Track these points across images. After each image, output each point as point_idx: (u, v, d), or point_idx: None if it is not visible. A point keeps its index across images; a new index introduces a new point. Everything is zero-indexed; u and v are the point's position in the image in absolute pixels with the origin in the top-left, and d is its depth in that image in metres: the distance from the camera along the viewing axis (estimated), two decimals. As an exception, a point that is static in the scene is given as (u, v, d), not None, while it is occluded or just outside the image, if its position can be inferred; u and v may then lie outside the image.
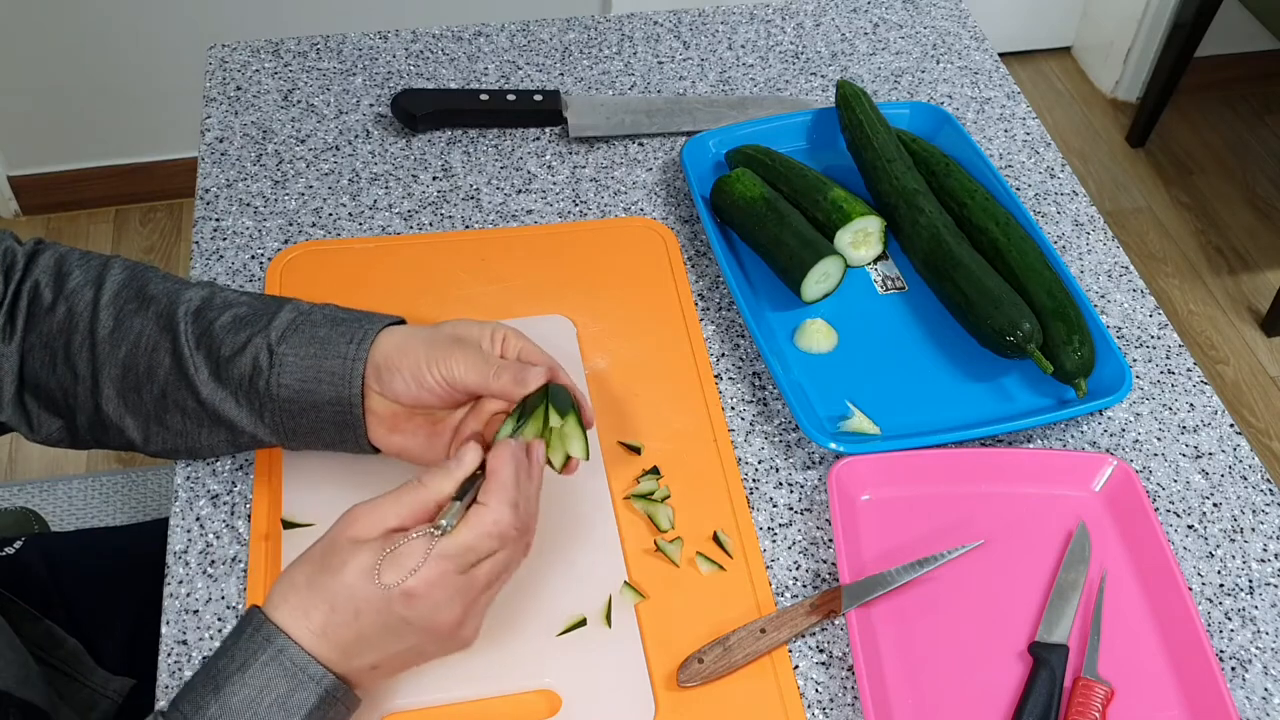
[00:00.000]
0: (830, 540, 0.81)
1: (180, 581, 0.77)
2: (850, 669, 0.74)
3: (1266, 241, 2.38)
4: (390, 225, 1.01)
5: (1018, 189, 1.09)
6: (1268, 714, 0.74)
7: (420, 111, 1.07)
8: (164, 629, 0.74)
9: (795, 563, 0.80)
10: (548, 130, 1.11)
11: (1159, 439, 0.89)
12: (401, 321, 0.76)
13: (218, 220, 1.01)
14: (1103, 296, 0.99)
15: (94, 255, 0.80)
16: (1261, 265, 2.33)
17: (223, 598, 0.76)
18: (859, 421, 0.86)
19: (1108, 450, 0.88)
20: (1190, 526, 0.84)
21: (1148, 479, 0.86)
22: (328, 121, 1.11)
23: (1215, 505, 0.85)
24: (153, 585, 0.78)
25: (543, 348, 0.75)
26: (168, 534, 0.79)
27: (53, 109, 2.14)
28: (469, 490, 0.64)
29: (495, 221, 1.02)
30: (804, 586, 0.78)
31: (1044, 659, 0.73)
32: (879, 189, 1.00)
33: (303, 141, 1.08)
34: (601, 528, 0.79)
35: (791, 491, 0.84)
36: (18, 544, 0.98)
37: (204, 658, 0.73)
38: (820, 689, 0.73)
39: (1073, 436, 0.88)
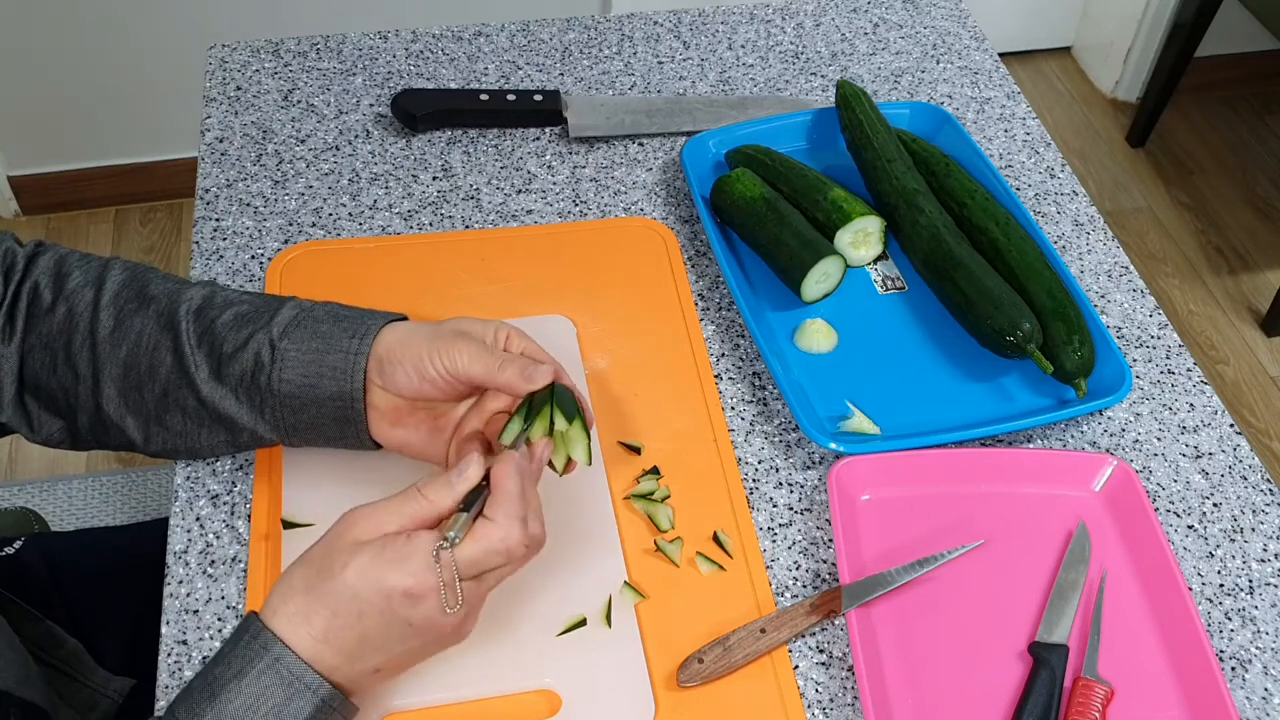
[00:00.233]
0: (830, 540, 0.81)
1: (180, 581, 0.77)
2: (850, 669, 0.74)
3: (1266, 241, 2.38)
4: (390, 225, 1.01)
5: (1018, 189, 1.09)
6: (1268, 714, 0.74)
7: (420, 111, 1.07)
8: (164, 629, 0.74)
9: (795, 563, 0.80)
10: (548, 130, 1.11)
11: (1159, 439, 0.89)
12: (404, 319, 0.77)
13: (218, 220, 1.01)
14: (1103, 296, 0.99)
15: (93, 256, 0.80)
16: (1261, 265, 2.33)
17: (223, 598, 0.76)
18: (859, 421, 0.86)
19: (1108, 450, 0.88)
20: (1190, 526, 0.84)
21: (1148, 479, 0.86)
22: (328, 121, 1.11)
23: (1215, 505, 0.85)
24: (153, 585, 0.78)
25: (543, 348, 0.75)
26: (168, 534, 0.79)
27: (53, 109, 2.14)
28: (475, 501, 0.64)
29: (495, 221, 1.02)
30: (804, 586, 0.78)
31: (1044, 659, 0.73)
32: (879, 189, 1.00)
33: (303, 141, 1.08)
34: (601, 528, 0.79)
35: (791, 491, 0.84)
36: (18, 544, 0.98)
37: (204, 658, 0.73)
38: (820, 689, 0.73)
39: (1073, 436, 0.88)
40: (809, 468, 0.85)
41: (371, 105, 1.12)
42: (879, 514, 0.81)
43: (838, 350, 0.92)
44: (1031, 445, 0.87)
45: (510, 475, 0.65)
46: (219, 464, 0.83)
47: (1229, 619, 0.78)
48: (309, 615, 0.61)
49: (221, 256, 0.97)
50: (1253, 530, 0.84)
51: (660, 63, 1.19)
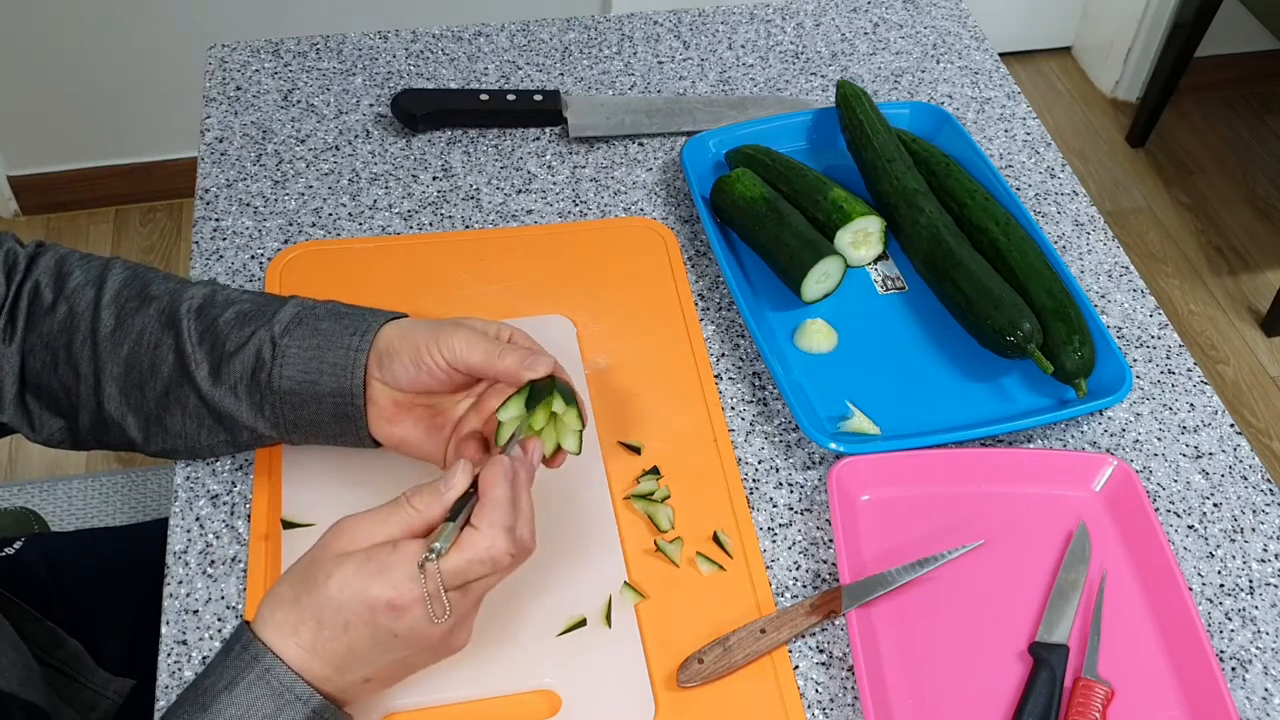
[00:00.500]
0: (830, 540, 0.81)
1: (180, 581, 0.77)
2: (850, 669, 0.74)
3: (1266, 241, 2.38)
4: (390, 225, 1.01)
5: (1018, 189, 1.09)
6: (1268, 714, 0.74)
7: (420, 111, 1.07)
8: (164, 629, 0.74)
9: (795, 563, 0.80)
10: (548, 130, 1.11)
11: (1159, 439, 0.89)
12: (406, 317, 0.77)
13: (218, 220, 1.01)
14: (1103, 296, 0.99)
15: (94, 256, 0.80)
16: (1261, 265, 2.33)
17: (223, 598, 0.76)
18: (859, 421, 0.86)
19: (1108, 450, 0.88)
20: (1190, 526, 0.84)
21: (1148, 479, 0.86)
22: (328, 121, 1.11)
23: (1215, 505, 0.85)
24: (153, 585, 0.78)
25: (543, 348, 0.75)
26: (168, 534, 0.79)
27: (53, 109, 2.14)
28: (462, 509, 0.63)
29: (495, 221, 1.02)
30: (804, 586, 0.78)
31: (1044, 659, 0.73)
32: (879, 189, 1.00)
33: (303, 141, 1.08)
34: (601, 528, 0.79)
35: (791, 491, 0.84)
36: (18, 544, 0.98)
37: (204, 658, 0.73)
38: (820, 689, 0.73)
39: (1073, 436, 0.88)
40: (809, 468, 0.85)
41: (371, 105, 1.12)
42: (879, 514, 0.81)
43: (838, 350, 0.92)
44: (1031, 445, 0.87)
45: (498, 482, 0.63)
46: (219, 464, 0.83)
47: (1229, 619, 0.78)
48: (296, 627, 0.60)
49: (221, 256, 0.97)
50: (1253, 530, 0.84)
51: (660, 63, 1.19)
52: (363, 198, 1.03)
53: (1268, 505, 0.85)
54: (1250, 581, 0.81)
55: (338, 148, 1.08)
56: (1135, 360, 0.94)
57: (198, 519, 0.80)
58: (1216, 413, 0.91)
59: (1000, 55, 1.24)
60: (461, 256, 0.97)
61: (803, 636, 0.76)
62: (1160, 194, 2.47)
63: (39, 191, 2.25)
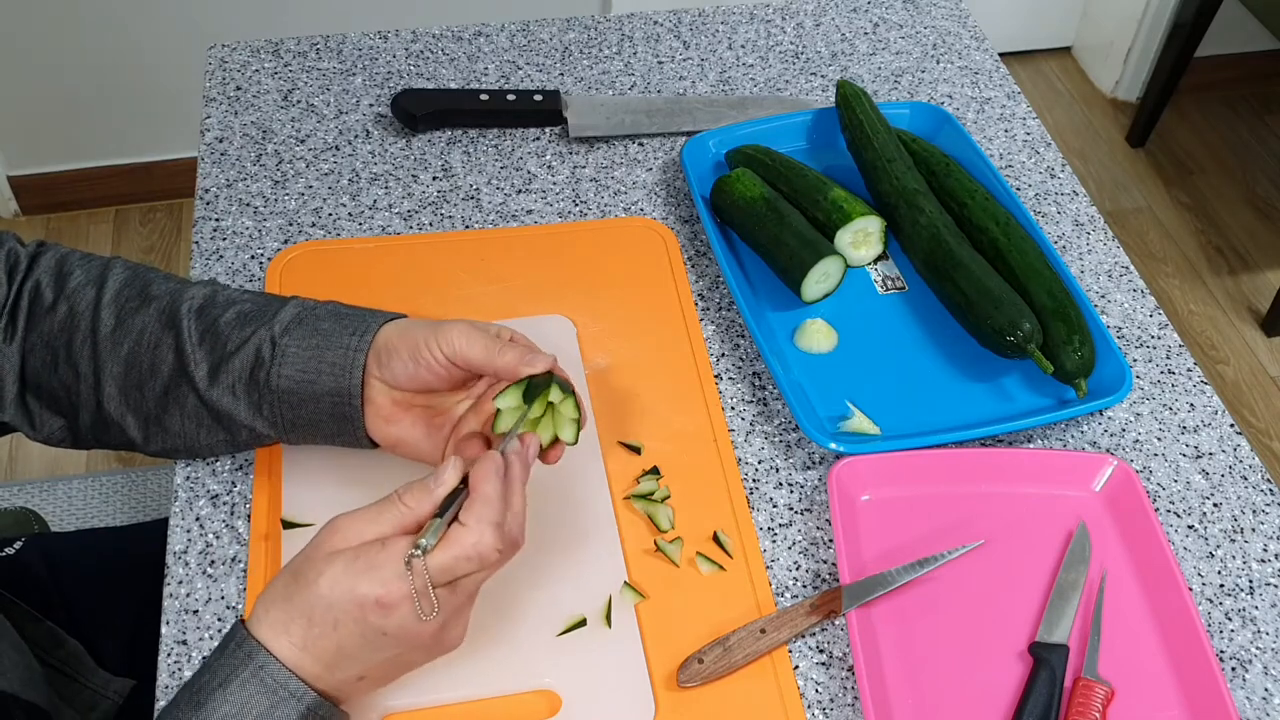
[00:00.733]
0: (830, 540, 0.81)
1: (180, 581, 0.77)
2: (850, 669, 0.74)
3: (1266, 241, 2.38)
4: (390, 225, 1.01)
5: (1018, 189, 1.09)
6: (1268, 714, 0.74)
7: (420, 111, 1.07)
8: (164, 629, 0.74)
9: (795, 563, 0.80)
10: (548, 130, 1.11)
11: (1159, 439, 0.89)
12: (406, 318, 0.77)
13: (218, 220, 1.01)
14: (1103, 296, 0.99)
15: (95, 256, 0.80)
16: (1261, 265, 2.33)
17: (223, 598, 0.76)
18: (859, 421, 0.86)
19: (1108, 450, 0.88)
20: (1190, 526, 0.84)
21: (1148, 479, 0.86)
22: (328, 121, 1.11)
23: (1215, 505, 0.85)
24: (153, 585, 0.78)
25: (543, 348, 0.75)
26: (168, 534, 0.79)
27: (52, 109, 2.14)
28: (450, 505, 0.63)
29: (495, 221, 1.02)
30: (804, 586, 0.78)
31: (1044, 659, 0.73)
32: (879, 189, 1.00)
33: (303, 141, 1.08)
34: (601, 528, 0.79)
35: (791, 491, 0.84)
36: (18, 544, 0.98)
37: (204, 658, 0.73)
38: (820, 689, 0.73)
39: (1073, 436, 0.88)
40: (809, 468, 0.85)
41: (371, 105, 1.12)
42: (879, 514, 0.81)
43: (838, 350, 0.92)
44: (1031, 445, 0.87)
45: (488, 478, 0.63)
46: (219, 464, 0.83)
47: (1229, 619, 0.78)
48: (287, 624, 0.61)
49: (221, 256, 0.97)
50: (1253, 530, 0.84)
51: (660, 63, 1.19)
52: (363, 198, 1.03)
53: (1268, 505, 0.85)
54: (1250, 581, 0.81)
55: (338, 148, 1.08)
56: (1135, 360, 0.94)
57: (198, 519, 0.80)
58: (1216, 413, 0.91)
59: (1000, 55, 1.24)
60: (461, 256, 0.97)
61: (803, 636, 0.76)
62: (1160, 194, 2.47)
63: (39, 191, 2.25)
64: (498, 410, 0.70)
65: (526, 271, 0.96)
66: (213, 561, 0.78)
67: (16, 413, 0.78)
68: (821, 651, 0.75)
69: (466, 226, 1.01)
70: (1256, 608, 0.79)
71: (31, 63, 2.06)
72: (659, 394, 0.88)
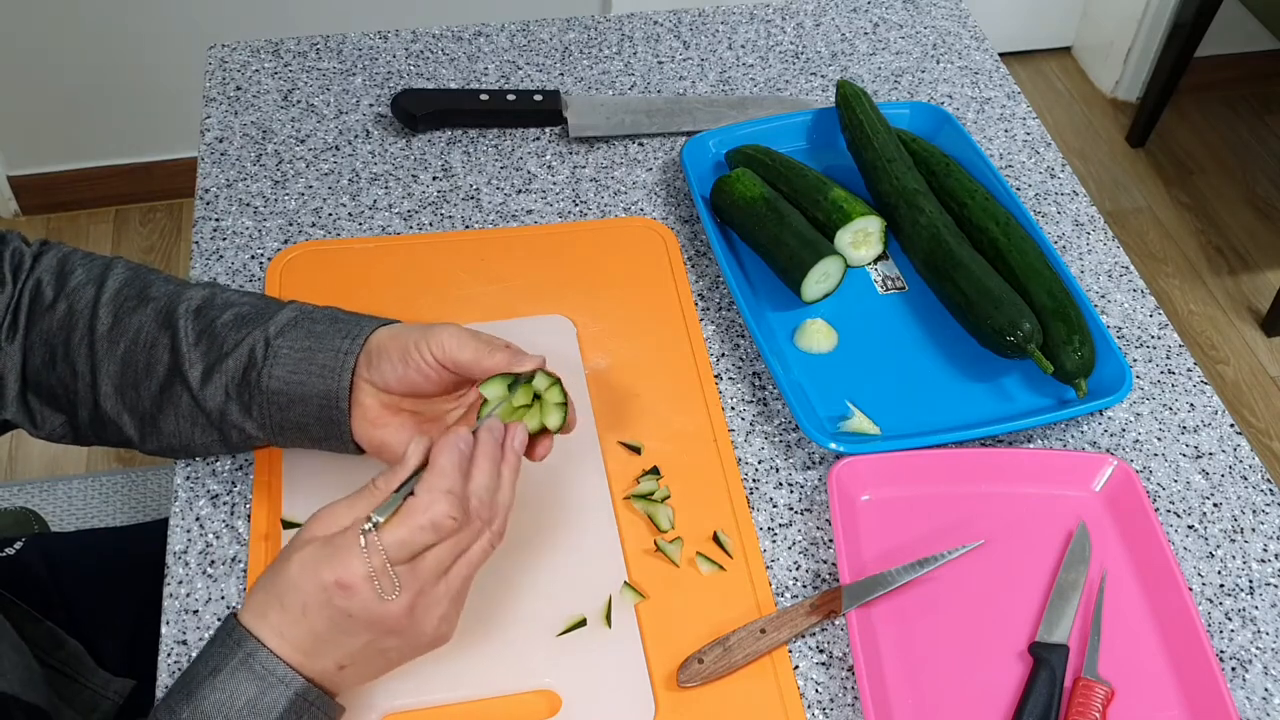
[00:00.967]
0: (830, 540, 0.81)
1: (180, 581, 0.77)
2: (850, 669, 0.74)
3: (1266, 241, 2.38)
4: (390, 225, 1.01)
5: (1018, 189, 1.09)
6: (1268, 714, 0.74)
7: (420, 111, 1.07)
8: (164, 629, 0.74)
9: (795, 563, 0.80)
10: (548, 130, 1.11)
11: (1159, 439, 0.89)
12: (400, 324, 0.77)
13: (218, 220, 1.01)
14: (1103, 296, 0.99)
15: (97, 255, 0.80)
16: (1261, 265, 2.33)
17: (223, 598, 0.76)
18: (859, 421, 0.86)
19: (1108, 450, 0.88)
20: (1190, 526, 0.84)
21: (1148, 479, 0.86)
22: (328, 121, 1.11)
23: (1215, 505, 0.85)
24: (153, 585, 0.78)
25: (542, 348, 0.75)
26: (168, 534, 0.79)
27: (52, 109, 2.14)
28: (409, 484, 0.63)
29: (495, 221, 1.02)
30: (804, 586, 0.78)
31: (1044, 659, 0.73)
32: (879, 189, 1.00)
33: (303, 141, 1.08)
34: (601, 528, 0.79)
35: (791, 491, 0.84)
36: (18, 544, 0.98)
37: (204, 658, 0.73)
38: (820, 689, 0.73)
39: (1073, 436, 0.88)
40: (809, 468, 0.85)
41: (371, 105, 1.12)
42: (879, 514, 0.81)
43: (838, 350, 0.92)
44: (1031, 445, 0.87)
45: (444, 451, 0.63)
46: (219, 464, 0.83)
47: (1229, 619, 0.78)
48: (265, 611, 0.61)
49: (221, 256, 0.97)
50: (1253, 530, 0.84)
51: (660, 63, 1.19)
52: (363, 198, 1.03)
53: (1268, 505, 0.85)
54: (1250, 581, 0.81)
55: (338, 148, 1.08)
56: (1135, 360, 0.94)
57: (198, 519, 0.80)
58: (1216, 413, 0.91)
59: (1000, 55, 1.24)
60: (461, 256, 0.97)
61: (803, 636, 0.76)
62: (1160, 194, 2.47)
63: (39, 191, 2.25)
64: (484, 402, 0.69)
65: (526, 271, 0.96)
66: (213, 561, 0.78)
67: (18, 410, 0.78)
68: (821, 651, 0.75)
69: (466, 226, 1.01)
70: (1256, 608, 0.79)
71: (31, 63, 2.06)
72: (659, 394, 0.88)
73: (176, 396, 0.75)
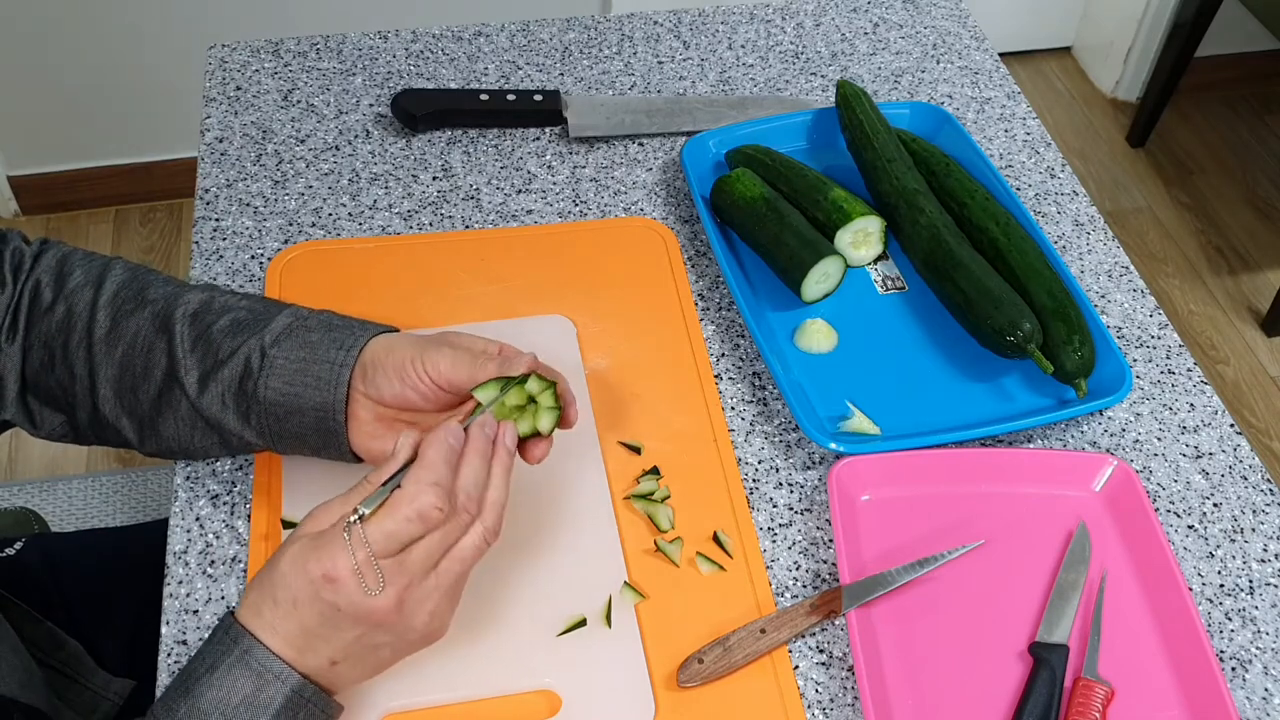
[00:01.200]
0: (830, 540, 0.81)
1: (180, 581, 0.77)
2: (850, 669, 0.74)
3: (1266, 241, 2.38)
4: (390, 225, 1.01)
5: (1018, 189, 1.09)
6: (1268, 714, 0.74)
7: (420, 111, 1.07)
8: (164, 629, 0.74)
9: (795, 563, 0.80)
10: (548, 130, 1.11)
11: (1159, 439, 0.89)
12: (396, 331, 0.76)
13: (218, 220, 1.01)
14: (1103, 296, 0.99)
15: (96, 256, 0.80)
16: (1261, 265, 2.33)
17: (223, 598, 0.76)
18: (859, 421, 0.86)
19: (1108, 450, 0.88)
20: (1190, 526, 0.84)
21: (1148, 479, 0.86)
22: (328, 121, 1.11)
23: (1215, 505, 0.85)
24: (153, 585, 0.78)
25: (542, 348, 0.75)
26: (168, 534, 0.79)
27: (52, 109, 2.14)
28: (396, 477, 0.63)
29: (495, 221, 1.02)
30: (804, 586, 0.78)
31: (1044, 659, 0.73)
32: (879, 189, 1.00)
33: (303, 141, 1.08)
34: (601, 528, 0.79)
35: (791, 491, 0.84)
36: (18, 544, 0.98)
37: (204, 658, 0.73)
38: (820, 689, 0.73)
39: (1073, 436, 0.88)
40: (809, 468, 0.85)
41: (371, 105, 1.12)
42: (879, 514, 0.81)
43: (838, 350, 0.92)
44: (1031, 445, 0.87)
45: (432, 445, 0.63)
46: (219, 464, 0.83)
47: (1229, 619, 0.78)
48: (260, 608, 0.62)
49: (221, 256, 0.97)
50: (1253, 530, 0.84)
51: (660, 63, 1.19)
52: (363, 198, 1.03)
53: (1268, 505, 0.85)
54: (1250, 581, 0.81)
55: (338, 148, 1.08)
56: (1135, 360, 0.94)
57: (198, 519, 0.80)
58: (1216, 413, 0.91)
59: (1000, 55, 1.24)
60: (461, 256, 0.97)
61: (803, 636, 0.76)
62: (1160, 194, 2.47)
63: (39, 191, 2.25)
64: (476, 406, 0.69)
65: (526, 271, 0.96)
66: (213, 561, 0.78)
67: (17, 411, 0.78)
68: (821, 651, 0.75)
69: (466, 226, 1.01)
70: (1256, 608, 0.79)
71: (31, 63, 2.06)
72: (659, 394, 0.88)
73: (175, 401, 0.75)
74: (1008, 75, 1.21)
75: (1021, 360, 0.90)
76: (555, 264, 0.97)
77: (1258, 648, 0.77)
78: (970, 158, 1.03)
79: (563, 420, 0.71)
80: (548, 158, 1.08)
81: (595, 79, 1.17)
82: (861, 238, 0.96)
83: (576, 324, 0.92)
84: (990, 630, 0.76)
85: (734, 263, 0.96)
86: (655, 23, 1.24)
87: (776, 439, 0.87)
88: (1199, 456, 0.88)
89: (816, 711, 0.72)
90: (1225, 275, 2.31)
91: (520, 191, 1.05)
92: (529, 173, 1.06)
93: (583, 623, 0.74)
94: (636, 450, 0.84)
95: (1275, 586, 0.80)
